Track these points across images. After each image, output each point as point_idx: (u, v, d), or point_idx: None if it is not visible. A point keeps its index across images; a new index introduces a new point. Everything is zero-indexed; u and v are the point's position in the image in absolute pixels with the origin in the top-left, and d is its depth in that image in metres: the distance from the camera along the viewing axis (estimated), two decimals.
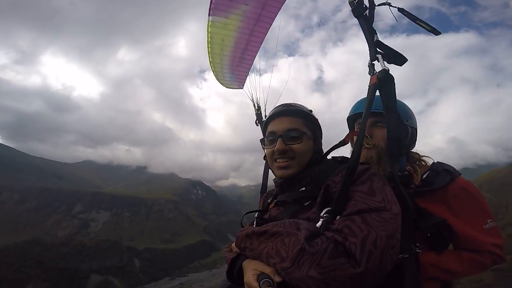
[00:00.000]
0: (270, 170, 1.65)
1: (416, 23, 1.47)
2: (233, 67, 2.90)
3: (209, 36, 2.54)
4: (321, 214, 1.07)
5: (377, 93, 1.31)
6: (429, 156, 1.59)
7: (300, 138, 1.28)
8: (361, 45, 1.44)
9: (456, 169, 1.45)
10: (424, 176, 1.42)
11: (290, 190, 1.31)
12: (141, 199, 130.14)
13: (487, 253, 1.35)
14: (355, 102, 1.76)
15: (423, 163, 1.55)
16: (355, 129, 1.72)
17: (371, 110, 1.27)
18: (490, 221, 1.38)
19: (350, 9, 1.46)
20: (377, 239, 0.91)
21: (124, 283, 74.53)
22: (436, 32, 1.47)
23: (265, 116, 2.52)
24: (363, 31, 1.41)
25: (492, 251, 1.35)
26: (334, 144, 1.39)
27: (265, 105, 2.62)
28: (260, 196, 1.75)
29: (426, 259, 1.30)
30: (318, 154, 1.35)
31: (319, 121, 1.44)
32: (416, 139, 1.66)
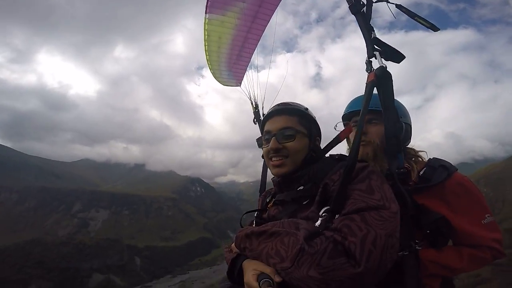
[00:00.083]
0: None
1: (414, 20, 1.47)
2: (231, 64, 2.88)
3: (206, 33, 2.52)
4: (320, 213, 1.07)
5: (375, 90, 1.31)
6: (425, 151, 1.59)
7: (293, 136, 1.30)
8: (359, 42, 1.45)
9: (453, 164, 1.45)
10: (421, 172, 1.42)
11: (288, 189, 1.31)
12: (140, 197, 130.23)
13: (487, 248, 1.35)
14: (350, 101, 1.77)
15: (419, 159, 1.55)
16: (351, 127, 1.73)
17: (361, 109, 1.26)
18: (488, 216, 1.38)
19: (348, 6, 1.45)
20: (376, 238, 0.91)
21: (126, 282, 74.95)
22: (435, 28, 1.47)
23: (263, 114, 2.52)
24: (360, 28, 1.41)
25: (491, 246, 1.35)
26: (329, 142, 1.40)
27: (263, 103, 2.61)
28: (259, 195, 1.76)
29: (426, 256, 1.29)
30: (314, 152, 1.35)
31: (317, 117, 1.44)
32: (410, 135, 1.66)
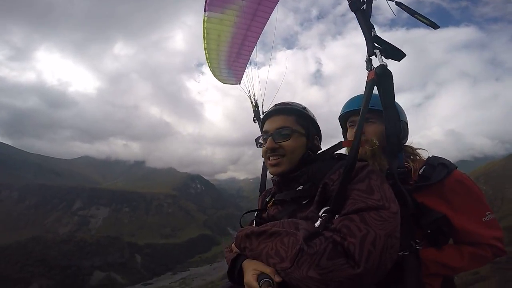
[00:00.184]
0: None
1: (415, 17, 1.45)
2: (230, 62, 2.87)
3: (205, 32, 2.50)
4: (320, 214, 1.07)
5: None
6: (424, 148, 1.59)
7: (289, 135, 1.30)
8: (360, 39, 1.38)
9: (453, 161, 1.44)
10: (421, 171, 1.41)
11: (287, 189, 1.32)
12: (140, 194, 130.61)
13: (487, 246, 1.34)
14: (347, 101, 1.76)
15: (417, 157, 1.55)
16: (348, 127, 1.73)
17: (361, 108, 1.25)
18: (488, 214, 1.37)
19: (348, 3, 1.44)
20: (376, 239, 0.91)
21: (127, 279, 75.41)
22: (435, 26, 1.46)
23: (263, 112, 2.51)
24: (360, 26, 1.40)
25: (492, 244, 1.33)
26: (329, 147, 1.40)
27: (263, 101, 2.60)
28: (259, 195, 1.76)
29: (426, 256, 1.29)
30: (312, 152, 1.35)
31: (317, 114, 1.44)
32: (407, 133, 1.67)
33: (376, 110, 1.50)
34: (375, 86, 1.29)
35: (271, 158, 1.33)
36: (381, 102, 1.32)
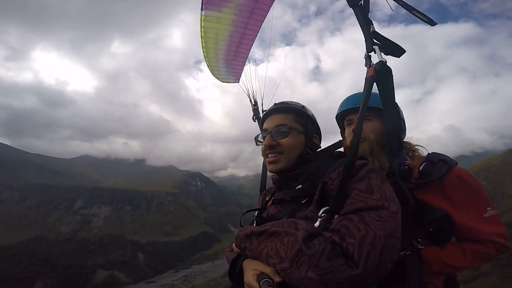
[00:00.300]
0: None
1: (412, 13, 1.42)
2: (228, 61, 2.85)
3: (203, 30, 2.49)
4: (319, 214, 1.06)
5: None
6: (422, 144, 1.58)
7: (287, 133, 1.31)
8: (359, 35, 1.40)
9: (452, 157, 1.43)
10: (421, 168, 1.40)
11: (287, 187, 1.31)
12: (141, 192, 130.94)
13: (490, 243, 1.31)
14: (343, 100, 1.75)
15: (416, 153, 1.54)
16: (345, 126, 1.72)
17: (358, 106, 1.23)
18: (490, 209, 1.35)
19: None
20: (375, 239, 0.89)
21: (130, 277, 75.90)
22: (432, 23, 1.43)
23: (263, 110, 2.50)
24: (358, 22, 1.37)
25: (494, 240, 1.31)
26: (328, 146, 1.40)
27: (262, 98, 2.59)
28: (260, 194, 1.77)
29: (428, 254, 1.28)
30: (310, 150, 1.35)
31: (316, 111, 1.45)
32: (405, 130, 1.66)
33: (373, 108, 1.49)
34: (375, 83, 1.25)
35: (269, 155, 1.33)
36: (381, 100, 1.29)
